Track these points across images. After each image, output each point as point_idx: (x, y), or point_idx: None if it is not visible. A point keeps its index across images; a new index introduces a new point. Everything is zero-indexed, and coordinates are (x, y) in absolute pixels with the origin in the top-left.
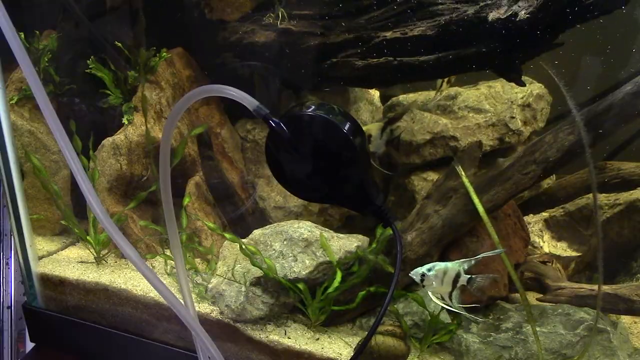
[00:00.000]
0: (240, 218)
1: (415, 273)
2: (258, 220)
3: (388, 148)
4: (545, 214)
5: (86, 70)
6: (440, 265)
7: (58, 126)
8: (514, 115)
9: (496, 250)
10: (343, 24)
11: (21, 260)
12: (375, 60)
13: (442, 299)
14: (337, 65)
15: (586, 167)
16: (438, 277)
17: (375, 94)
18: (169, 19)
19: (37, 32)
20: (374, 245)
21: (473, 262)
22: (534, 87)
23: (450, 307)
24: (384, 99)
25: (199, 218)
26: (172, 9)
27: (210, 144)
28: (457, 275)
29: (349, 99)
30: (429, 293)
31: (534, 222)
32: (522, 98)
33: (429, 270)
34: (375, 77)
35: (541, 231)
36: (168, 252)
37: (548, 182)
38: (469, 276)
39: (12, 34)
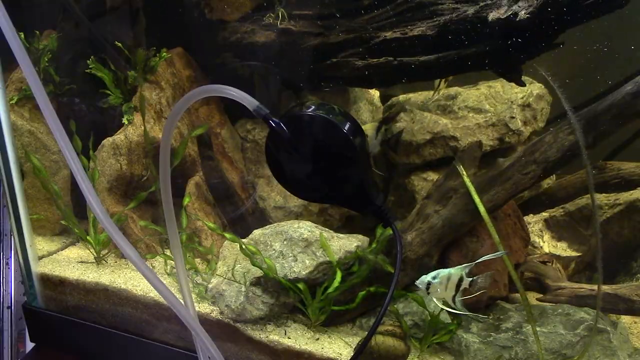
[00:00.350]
0: (240, 218)
1: (421, 282)
2: (258, 220)
3: (383, 148)
4: (545, 214)
5: (86, 70)
6: (444, 272)
7: (58, 126)
8: (514, 115)
9: (498, 253)
10: (343, 24)
11: (21, 260)
12: (375, 60)
13: (445, 303)
14: (337, 65)
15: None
16: (442, 283)
17: (375, 94)
18: (169, 19)
19: (37, 32)
20: (374, 245)
21: (473, 265)
22: (534, 87)
23: (455, 310)
24: (384, 98)
25: (199, 218)
26: (172, 9)
27: (210, 144)
28: (460, 280)
29: (349, 99)
30: (435, 300)
31: (534, 222)
32: (522, 98)
33: (434, 278)
34: (376, 77)
35: (541, 231)
36: (168, 252)
37: (548, 182)
38: (471, 278)
39: (12, 34)
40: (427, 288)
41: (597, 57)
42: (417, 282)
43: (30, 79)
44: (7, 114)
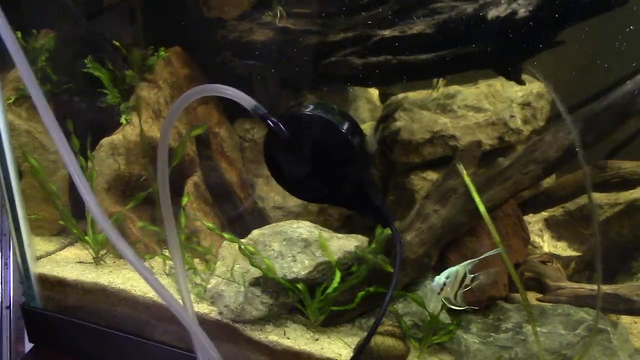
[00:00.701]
0: (239, 218)
1: (437, 284)
2: (257, 220)
3: (381, 146)
4: (545, 214)
5: (83, 70)
6: (452, 270)
7: (55, 126)
8: (513, 114)
9: (496, 249)
10: (342, 23)
11: (19, 261)
12: (374, 58)
13: (448, 300)
14: (336, 64)
15: (586, 165)
16: (451, 282)
17: (374, 92)
18: (167, 18)
19: (35, 31)
20: (373, 245)
21: (477, 262)
22: (534, 86)
23: (458, 306)
24: (383, 97)
25: (198, 218)
26: (170, 8)
27: (208, 144)
28: (464, 276)
29: (347, 98)
30: (442, 299)
31: (534, 222)
32: (521, 97)
33: (447, 277)
34: (374, 75)
35: (541, 231)
36: (167, 252)
37: (548, 181)
38: (473, 275)
39: (8, 33)
40: (441, 289)
41: (598, 55)
42: (434, 284)
43: (26, 79)
44: (4, 114)
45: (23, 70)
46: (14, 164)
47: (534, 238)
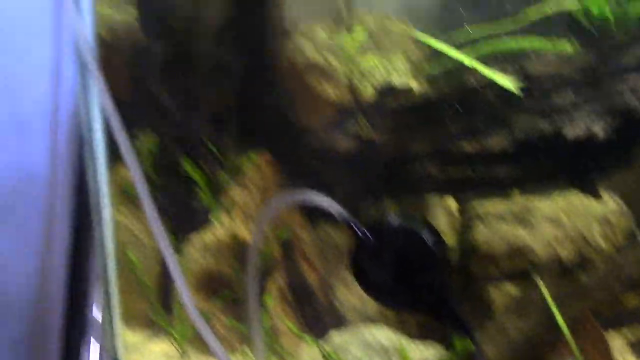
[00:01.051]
0: (318, 320)
1: None
2: (335, 323)
3: (459, 257)
4: (626, 331)
5: (180, 170)
6: None
7: (158, 224)
8: (592, 230)
9: None
10: (422, 134)
11: (109, 352)
12: (453, 170)
13: None
14: (416, 175)
15: None
16: None
17: (452, 202)
18: (257, 123)
19: (136, 131)
20: (452, 357)
21: None
22: (613, 203)
23: None
24: (461, 207)
25: (279, 318)
26: (259, 114)
27: (290, 245)
28: None
29: (427, 208)
30: None
31: (615, 340)
32: (601, 213)
33: None
34: (453, 186)
35: (623, 349)
36: (246, 350)
37: (630, 298)
38: None
39: (122, 135)
40: None
41: None
42: None
43: (136, 178)
44: (109, 211)
45: (134, 170)
46: (113, 257)
47: (617, 357)
